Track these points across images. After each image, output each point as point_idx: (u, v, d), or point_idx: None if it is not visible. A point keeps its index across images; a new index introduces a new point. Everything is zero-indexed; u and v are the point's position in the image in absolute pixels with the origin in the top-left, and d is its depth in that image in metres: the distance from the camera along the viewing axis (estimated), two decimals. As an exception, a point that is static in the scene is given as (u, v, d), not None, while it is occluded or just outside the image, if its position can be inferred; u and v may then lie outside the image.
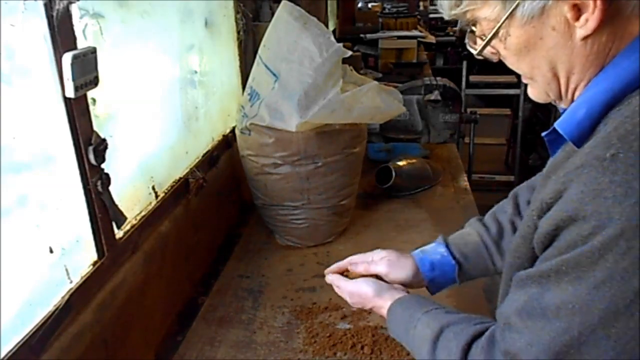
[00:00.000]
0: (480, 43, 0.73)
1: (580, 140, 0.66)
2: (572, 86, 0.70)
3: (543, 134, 0.76)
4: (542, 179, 0.77)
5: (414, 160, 2.14)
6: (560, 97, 0.72)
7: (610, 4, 0.61)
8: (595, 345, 0.61)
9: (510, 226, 1.06)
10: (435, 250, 1.08)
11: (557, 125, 0.70)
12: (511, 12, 0.66)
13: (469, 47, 0.76)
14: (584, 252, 0.61)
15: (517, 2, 0.65)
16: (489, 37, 0.70)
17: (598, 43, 0.65)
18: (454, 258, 1.06)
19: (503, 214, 1.08)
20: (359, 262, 1.12)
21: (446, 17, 0.76)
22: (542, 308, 0.66)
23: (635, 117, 0.60)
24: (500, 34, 0.69)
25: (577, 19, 0.63)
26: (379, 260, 1.09)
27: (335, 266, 1.14)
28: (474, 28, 0.74)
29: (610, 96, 0.64)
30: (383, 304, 0.98)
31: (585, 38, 0.64)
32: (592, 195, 0.60)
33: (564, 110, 0.73)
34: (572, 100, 0.71)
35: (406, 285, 1.05)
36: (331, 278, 1.11)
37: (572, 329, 0.62)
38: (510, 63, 0.74)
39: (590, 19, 0.62)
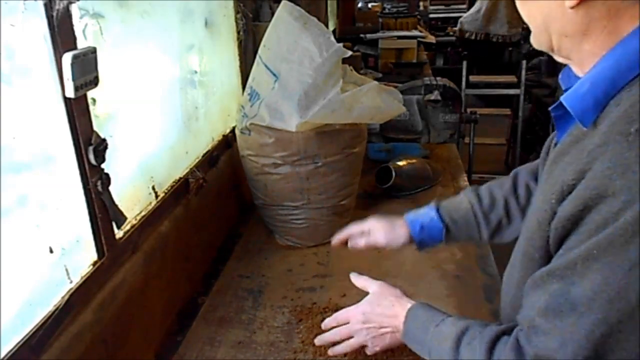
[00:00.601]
0: None
1: (584, 116, 0.68)
2: (565, 47, 0.72)
3: (550, 107, 0.77)
4: (549, 166, 0.78)
5: (414, 160, 2.14)
6: (552, 51, 0.75)
7: None
8: (635, 328, 0.61)
9: (503, 202, 1.09)
10: (426, 214, 1.15)
11: (562, 99, 0.71)
12: None
13: None
14: (617, 230, 0.60)
15: None
16: None
17: (590, 18, 0.67)
18: (443, 222, 1.12)
19: (499, 189, 1.11)
20: (356, 233, 1.21)
21: None
22: (571, 304, 0.65)
23: None
24: None
25: None
26: (376, 232, 1.18)
27: (336, 239, 1.22)
28: None
29: (614, 74, 0.65)
30: (402, 308, 0.99)
31: (574, 7, 0.66)
32: (621, 171, 0.60)
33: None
34: (566, 57, 0.75)
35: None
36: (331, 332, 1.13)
37: (610, 317, 0.61)
38: (517, 4, 0.78)
39: None
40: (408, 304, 0.99)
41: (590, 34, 0.68)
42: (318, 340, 1.16)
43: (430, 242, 1.14)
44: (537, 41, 0.77)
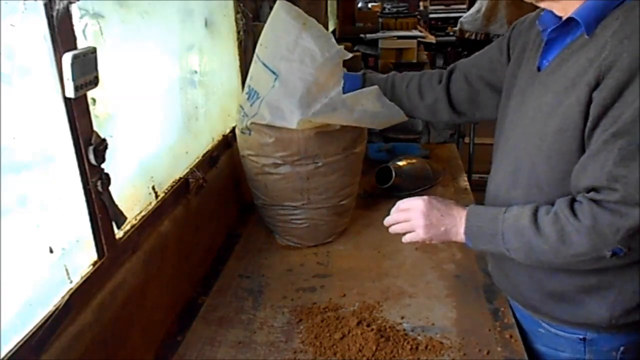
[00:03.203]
0: None
1: (589, 24, 0.92)
2: None
3: (548, 29, 1.01)
4: (546, 76, 1.01)
5: (414, 160, 2.14)
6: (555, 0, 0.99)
7: None
8: None
9: (417, 77, 1.50)
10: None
11: (572, 14, 0.94)
12: None
13: None
14: None
15: None
16: None
17: None
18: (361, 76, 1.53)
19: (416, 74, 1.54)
20: None
21: None
22: None
23: None
24: None
25: None
26: None
27: None
28: None
29: (607, 2, 0.91)
30: (460, 210, 1.10)
31: None
32: None
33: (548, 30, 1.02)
34: (552, 2, 0.98)
35: None
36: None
37: None
38: None
39: None
40: (464, 208, 1.09)
41: None
42: (386, 222, 1.25)
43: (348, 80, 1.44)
44: None
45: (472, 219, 1.06)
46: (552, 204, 0.99)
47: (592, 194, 0.91)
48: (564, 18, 0.99)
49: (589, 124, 0.91)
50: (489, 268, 1.32)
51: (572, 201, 0.94)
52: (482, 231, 1.05)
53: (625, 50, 0.85)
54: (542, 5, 1.01)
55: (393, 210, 1.20)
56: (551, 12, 1.02)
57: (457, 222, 1.08)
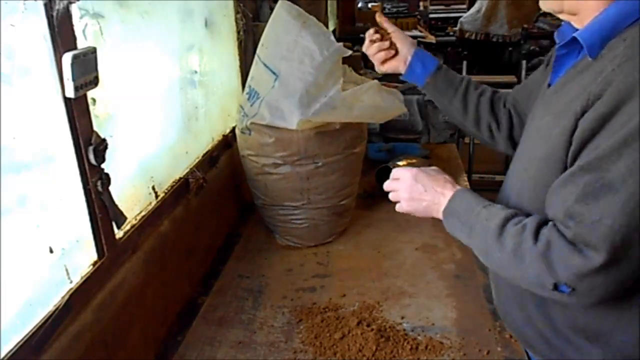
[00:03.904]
0: None
1: (592, 49, 0.84)
2: (572, 4, 0.89)
3: (556, 46, 0.95)
4: (549, 95, 0.95)
5: (414, 160, 2.14)
6: (561, 10, 0.91)
7: None
8: None
9: (488, 92, 1.31)
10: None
11: (576, 34, 0.87)
12: None
13: None
14: None
15: None
16: None
17: None
18: (439, 64, 1.30)
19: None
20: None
21: None
22: (607, 185, 0.77)
23: None
24: None
25: None
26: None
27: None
28: None
29: (618, 18, 0.83)
30: (449, 184, 1.05)
31: None
32: None
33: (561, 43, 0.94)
34: (572, 17, 0.91)
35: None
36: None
37: None
38: None
39: None
40: (457, 187, 1.05)
41: None
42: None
43: (418, 70, 1.29)
44: (549, 2, 0.92)
45: (455, 201, 1.01)
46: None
47: (556, 222, 0.86)
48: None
49: (570, 154, 0.84)
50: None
51: (543, 221, 0.88)
52: (457, 217, 1.00)
53: (616, 77, 0.78)
54: (560, 17, 0.94)
55: (391, 175, 1.14)
56: (569, 23, 0.95)
57: (440, 200, 1.03)
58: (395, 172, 1.11)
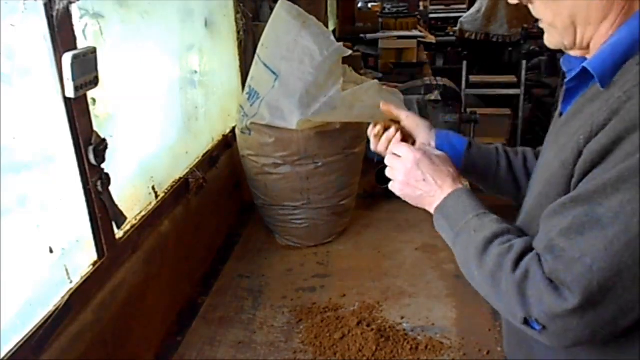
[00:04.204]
0: None
1: (603, 76, 0.76)
2: (587, 36, 0.80)
3: (566, 80, 0.86)
4: (559, 127, 0.86)
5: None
6: (574, 45, 0.82)
7: None
8: None
9: (522, 151, 1.14)
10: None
11: (585, 64, 0.78)
12: None
13: None
14: None
15: None
16: None
17: (612, 3, 0.75)
18: (467, 140, 1.13)
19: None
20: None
21: None
22: (595, 220, 0.69)
23: None
24: None
25: None
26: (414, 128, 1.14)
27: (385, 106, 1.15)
28: None
29: (630, 42, 0.75)
30: (452, 177, 0.97)
31: None
32: None
33: (569, 70, 0.86)
34: (584, 51, 0.82)
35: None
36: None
37: (631, 230, 0.66)
38: (537, 9, 0.83)
39: None
40: (458, 184, 0.96)
41: (609, 17, 0.77)
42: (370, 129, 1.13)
43: (449, 155, 1.06)
44: (559, 39, 0.83)
45: (450, 200, 0.94)
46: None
47: (534, 259, 0.77)
48: (587, 59, 0.81)
49: (572, 187, 0.77)
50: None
51: (529, 248, 0.80)
52: (446, 218, 0.94)
53: (622, 106, 0.70)
54: (572, 53, 0.85)
55: (390, 147, 1.07)
56: None
57: (436, 194, 0.95)
58: (399, 149, 1.01)
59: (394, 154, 1.01)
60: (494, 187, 1.14)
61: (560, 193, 0.78)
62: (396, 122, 1.14)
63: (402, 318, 1.34)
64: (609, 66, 0.76)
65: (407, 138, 1.12)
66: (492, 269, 0.81)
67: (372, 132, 1.13)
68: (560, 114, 0.90)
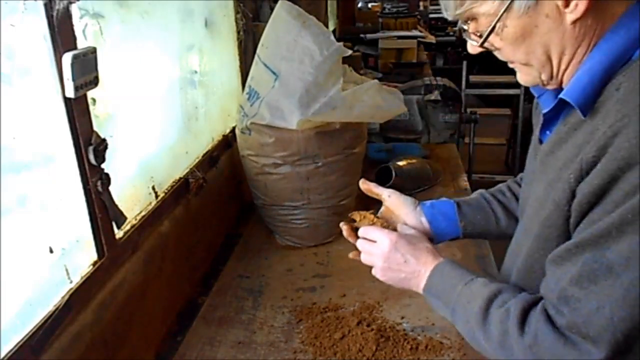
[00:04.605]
0: (475, 38, 0.78)
1: (585, 106, 0.72)
2: (562, 66, 0.76)
3: (544, 110, 0.82)
4: (544, 156, 0.82)
5: (414, 160, 2.14)
6: (551, 78, 0.78)
7: None
8: None
9: (507, 187, 1.10)
10: (437, 200, 1.11)
11: (562, 95, 0.75)
12: (509, 5, 0.72)
13: (469, 44, 0.80)
14: None
15: None
16: (488, 30, 0.75)
17: (585, 26, 0.72)
18: (452, 201, 1.08)
19: (501, 185, 1.13)
20: (366, 213, 1.08)
21: (450, 18, 0.80)
22: (607, 267, 0.66)
23: None
24: (497, 27, 0.75)
25: (567, 5, 0.70)
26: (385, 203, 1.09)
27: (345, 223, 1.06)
28: (465, 27, 0.80)
29: (607, 66, 0.72)
30: (430, 255, 0.94)
31: (574, 22, 0.71)
32: None
33: (545, 98, 0.83)
34: (561, 81, 0.78)
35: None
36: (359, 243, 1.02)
37: None
38: (506, 53, 0.78)
39: (579, 4, 0.69)
40: (439, 258, 0.94)
41: (584, 42, 0.74)
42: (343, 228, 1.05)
43: (444, 224, 1.05)
44: (535, 75, 0.79)
45: (435, 277, 0.91)
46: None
47: (549, 306, 0.74)
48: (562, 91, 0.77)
49: (571, 227, 0.74)
50: None
51: (529, 304, 0.77)
52: (437, 297, 0.90)
53: (610, 142, 0.67)
54: (549, 88, 0.81)
55: (360, 231, 1.02)
56: None
57: (420, 275, 0.92)
58: (372, 233, 0.98)
59: (366, 239, 0.98)
60: (499, 236, 1.09)
61: (560, 235, 0.75)
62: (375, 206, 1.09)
63: (402, 318, 1.34)
64: (589, 94, 0.72)
65: (389, 222, 1.06)
66: (500, 338, 0.78)
67: (346, 231, 1.04)
68: (540, 141, 0.87)
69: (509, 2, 0.72)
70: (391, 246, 0.94)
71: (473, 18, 0.77)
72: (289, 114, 1.50)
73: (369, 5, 6.32)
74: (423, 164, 2.14)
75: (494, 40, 0.77)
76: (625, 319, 0.65)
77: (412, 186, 2.05)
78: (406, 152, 2.33)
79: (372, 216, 1.05)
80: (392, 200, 1.08)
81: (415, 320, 1.33)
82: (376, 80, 1.61)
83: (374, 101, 1.55)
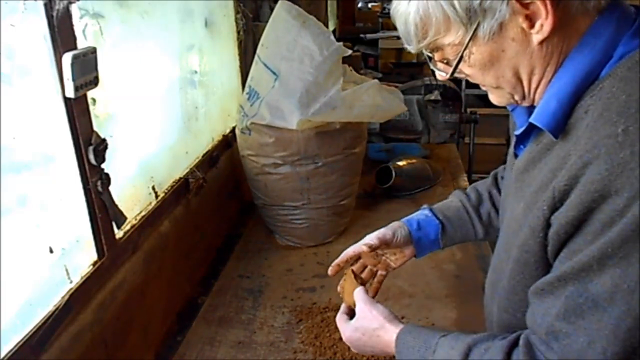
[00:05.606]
0: (442, 66, 0.78)
1: (556, 129, 0.72)
2: (533, 85, 0.76)
3: (516, 132, 0.83)
4: (519, 174, 0.82)
5: (414, 160, 2.14)
6: (524, 98, 0.78)
7: (558, 6, 0.67)
8: None
9: (487, 195, 1.12)
10: (420, 212, 1.13)
11: (532, 119, 0.75)
12: (473, 34, 0.71)
13: (437, 74, 0.80)
14: (627, 225, 0.62)
15: (477, 22, 0.70)
16: (456, 61, 0.75)
17: (552, 44, 0.71)
18: (437, 218, 1.10)
19: (482, 185, 1.14)
20: (353, 253, 1.11)
21: (413, 51, 0.79)
22: (592, 301, 0.66)
23: (618, 95, 0.66)
24: (464, 55, 0.74)
25: (532, 27, 0.69)
26: (370, 237, 1.11)
27: (335, 264, 1.11)
28: (431, 55, 0.79)
29: (574, 88, 0.71)
30: (387, 334, 0.93)
31: (541, 42, 0.70)
32: (619, 170, 0.62)
33: (518, 112, 0.83)
34: (534, 99, 0.78)
35: (395, 246, 1.10)
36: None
37: (634, 308, 0.63)
38: (475, 78, 0.78)
39: (545, 24, 0.68)
40: (395, 329, 0.91)
41: (552, 59, 0.73)
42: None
43: (427, 243, 1.11)
44: (507, 96, 0.79)
45: (401, 345, 0.89)
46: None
47: (537, 342, 0.73)
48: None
49: (549, 255, 0.73)
50: None
51: (510, 347, 0.75)
52: (411, 354, 0.87)
53: (581, 173, 0.66)
54: (523, 105, 0.81)
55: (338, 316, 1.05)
56: None
57: (388, 344, 0.92)
58: (338, 323, 1.02)
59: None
60: (482, 238, 1.12)
61: (537, 260, 0.75)
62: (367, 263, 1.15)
63: (402, 318, 1.34)
64: (559, 118, 0.72)
65: (388, 267, 1.13)
66: None
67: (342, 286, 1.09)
68: (516, 155, 0.87)
69: (473, 30, 0.71)
70: (349, 336, 0.98)
71: (438, 49, 0.76)
72: (289, 114, 1.50)
73: (369, 5, 6.33)
74: (423, 164, 2.14)
75: (463, 68, 0.76)
76: (618, 354, 0.65)
77: (412, 186, 2.05)
78: (406, 152, 2.33)
79: (353, 280, 1.06)
80: (380, 243, 1.10)
81: (415, 320, 1.33)
82: (376, 80, 1.61)
83: (374, 101, 1.55)
